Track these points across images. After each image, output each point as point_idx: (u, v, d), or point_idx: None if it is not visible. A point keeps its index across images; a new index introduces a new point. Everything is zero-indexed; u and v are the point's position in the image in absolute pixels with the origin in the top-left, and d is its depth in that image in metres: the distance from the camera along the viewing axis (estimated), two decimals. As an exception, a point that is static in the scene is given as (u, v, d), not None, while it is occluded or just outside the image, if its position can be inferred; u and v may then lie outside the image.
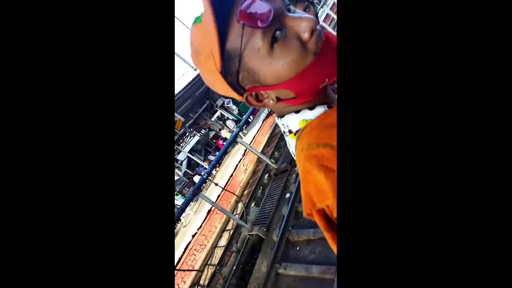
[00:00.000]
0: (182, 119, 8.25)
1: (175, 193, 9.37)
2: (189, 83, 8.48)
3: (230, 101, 12.09)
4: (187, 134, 12.78)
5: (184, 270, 4.28)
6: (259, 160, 7.77)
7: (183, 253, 5.05)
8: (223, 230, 5.69)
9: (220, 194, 6.51)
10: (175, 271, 4.26)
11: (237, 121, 11.68)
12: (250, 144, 7.29)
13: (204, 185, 5.85)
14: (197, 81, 8.97)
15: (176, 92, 8.20)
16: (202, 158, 12.36)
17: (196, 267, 4.62)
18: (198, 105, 11.86)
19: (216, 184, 4.74)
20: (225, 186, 5.64)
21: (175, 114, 7.84)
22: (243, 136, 8.50)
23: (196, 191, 3.26)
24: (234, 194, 5.19)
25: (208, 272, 4.42)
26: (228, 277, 3.80)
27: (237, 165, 7.79)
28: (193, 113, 11.66)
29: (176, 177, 12.61)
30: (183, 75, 9.65)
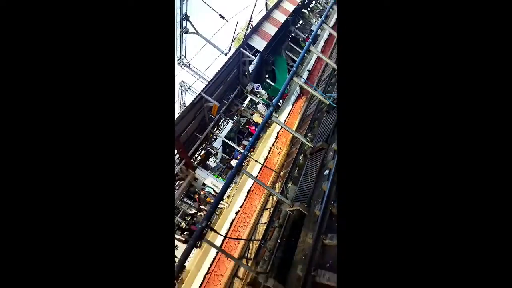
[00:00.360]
0: (217, 104, 8.47)
1: (216, 176, 9.77)
2: (220, 69, 8.57)
3: (259, 86, 12.09)
4: (222, 120, 13.13)
5: (233, 238, 4.58)
6: (292, 143, 7.78)
7: (229, 229, 5.39)
8: (263, 208, 5.89)
9: (257, 176, 6.70)
10: (225, 238, 4.54)
11: (267, 106, 11.69)
12: (281, 127, 7.31)
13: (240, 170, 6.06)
14: (228, 66, 9.05)
15: (210, 77, 8.40)
16: (236, 144, 12.66)
17: (242, 242, 4.90)
18: (229, 91, 12.04)
19: (256, 161, 4.91)
20: (263, 164, 5.79)
21: (211, 99, 8.05)
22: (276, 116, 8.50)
23: (240, 167, 3.43)
24: (273, 170, 5.32)
25: (253, 246, 4.67)
26: (273, 250, 3.97)
27: (270, 148, 7.89)
28: (226, 99, 11.88)
29: (214, 164, 13.14)
30: (215, 60, 9.81)
